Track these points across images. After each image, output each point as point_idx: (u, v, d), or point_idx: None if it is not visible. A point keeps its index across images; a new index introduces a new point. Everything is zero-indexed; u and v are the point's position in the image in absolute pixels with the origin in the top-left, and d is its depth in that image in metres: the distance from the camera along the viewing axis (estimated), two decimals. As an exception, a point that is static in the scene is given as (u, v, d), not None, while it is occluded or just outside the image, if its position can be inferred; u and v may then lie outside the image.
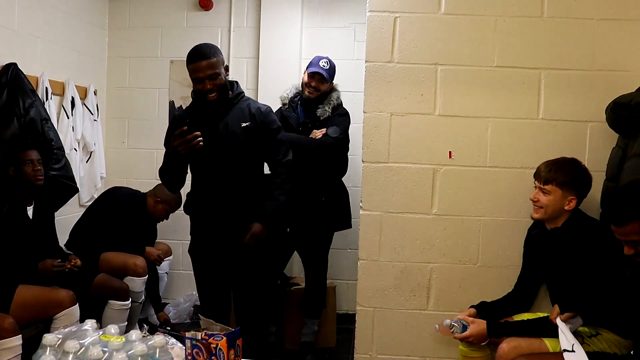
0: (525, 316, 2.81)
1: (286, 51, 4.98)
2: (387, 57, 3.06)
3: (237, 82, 3.29)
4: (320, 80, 3.95)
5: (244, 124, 3.13)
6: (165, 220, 4.56)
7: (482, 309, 2.86)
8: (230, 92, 3.16)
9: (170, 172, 3.18)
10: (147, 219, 4.46)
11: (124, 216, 4.27)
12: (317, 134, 3.89)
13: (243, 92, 3.27)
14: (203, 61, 3.00)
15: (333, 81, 4.06)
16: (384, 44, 3.06)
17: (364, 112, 3.10)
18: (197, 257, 3.31)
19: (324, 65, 3.95)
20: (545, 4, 2.99)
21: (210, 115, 3.11)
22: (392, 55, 3.06)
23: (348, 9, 5.00)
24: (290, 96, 4.09)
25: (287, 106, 4.06)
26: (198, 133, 2.93)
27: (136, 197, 4.46)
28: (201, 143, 2.95)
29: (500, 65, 3.01)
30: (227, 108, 3.15)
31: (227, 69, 3.16)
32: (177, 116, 3.07)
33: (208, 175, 3.16)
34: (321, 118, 3.94)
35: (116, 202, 4.30)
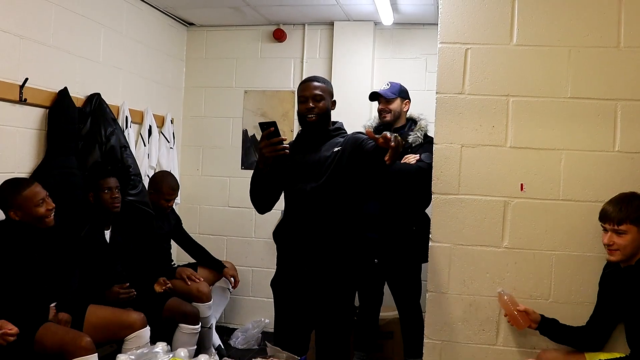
0: (601, 356, 2.71)
1: (358, 82, 5.04)
2: (458, 89, 3.05)
3: (341, 122, 3.28)
4: (386, 101, 3.91)
5: (335, 149, 3.08)
6: (169, 205, 4.39)
7: (550, 327, 2.83)
8: (329, 126, 3.17)
9: (257, 188, 3.13)
10: (159, 212, 4.34)
11: (151, 224, 4.25)
12: (411, 159, 3.77)
13: (344, 130, 3.24)
14: (313, 82, 3.11)
15: (407, 99, 4.00)
16: (455, 76, 3.06)
17: (434, 143, 3.10)
18: (279, 290, 3.21)
19: (383, 88, 3.95)
20: (622, 34, 2.92)
21: (308, 145, 3.09)
22: (463, 86, 3.05)
23: (419, 40, 5.03)
24: (374, 125, 4.06)
25: None
26: (285, 138, 2.92)
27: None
28: (287, 150, 2.90)
29: (574, 97, 2.95)
30: (324, 139, 3.13)
31: (334, 104, 3.19)
32: (265, 123, 2.95)
33: (298, 205, 3.09)
34: (413, 145, 3.86)
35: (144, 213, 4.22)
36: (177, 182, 4.49)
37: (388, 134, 2.56)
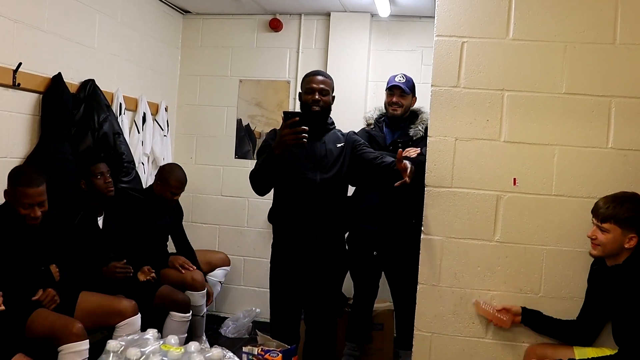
0: (589, 352, 2.72)
1: (353, 73, 5.04)
2: (453, 82, 3.05)
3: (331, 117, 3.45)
4: (401, 95, 3.88)
5: (339, 145, 3.32)
6: (175, 199, 4.34)
7: (532, 317, 2.88)
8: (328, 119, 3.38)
9: (262, 174, 3.19)
10: (163, 204, 4.31)
11: (147, 209, 4.22)
12: (412, 152, 3.72)
13: (335, 125, 3.44)
14: (320, 77, 3.32)
15: (415, 96, 3.99)
16: (451, 69, 3.05)
17: (428, 136, 3.10)
18: (275, 270, 3.36)
19: (400, 80, 3.91)
20: (618, 31, 2.92)
21: (311, 133, 3.12)
22: (458, 80, 3.04)
23: (416, 33, 5.02)
24: (374, 117, 4.04)
25: (372, 126, 4.00)
26: (306, 128, 3.00)
27: (147, 189, 4.37)
28: (305, 140, 3.00)
29: (569, 92, 2.95)
30: (325, 131, 3.33)
31: (333, 99, 3.38)
32: (290, 112, 3.09)
33: (300, 190, 3.24)
34: (414, 138, 3.86)
35: (136, 200, 4.23)
36: (185, 177, 4.36)
37: (408, 165, 2.90)
